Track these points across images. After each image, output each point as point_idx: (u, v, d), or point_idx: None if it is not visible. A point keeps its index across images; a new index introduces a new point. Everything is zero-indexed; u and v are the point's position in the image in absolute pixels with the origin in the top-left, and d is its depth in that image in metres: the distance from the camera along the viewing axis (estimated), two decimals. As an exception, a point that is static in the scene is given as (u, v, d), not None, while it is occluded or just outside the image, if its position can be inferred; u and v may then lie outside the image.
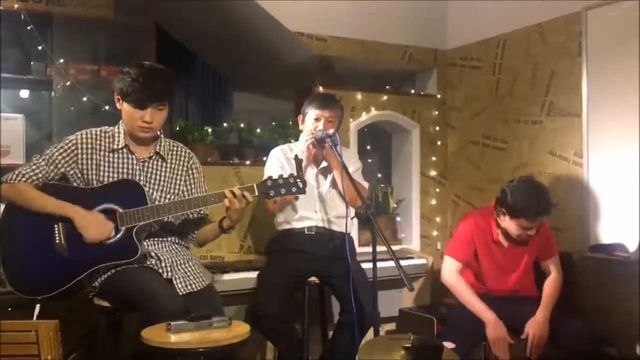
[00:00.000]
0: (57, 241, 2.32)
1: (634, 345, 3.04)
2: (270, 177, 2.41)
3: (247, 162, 3.62)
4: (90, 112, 3.27)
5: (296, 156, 2.59)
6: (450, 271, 2.99)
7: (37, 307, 2.45)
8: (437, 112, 4.24)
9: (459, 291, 2.93)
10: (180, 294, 2.38)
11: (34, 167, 2.39)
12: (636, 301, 2.98)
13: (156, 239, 2.53)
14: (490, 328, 2.79)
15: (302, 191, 2.40)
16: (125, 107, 2.43)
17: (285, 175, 2.41)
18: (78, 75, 3.31)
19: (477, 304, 2.86)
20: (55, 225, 2.33)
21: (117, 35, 3.58)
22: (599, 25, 3.26)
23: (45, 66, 3.31)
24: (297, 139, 3.21)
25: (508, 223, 2.87)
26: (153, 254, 2.46)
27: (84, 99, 3.25)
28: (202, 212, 2.61)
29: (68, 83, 3.25)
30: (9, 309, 2.60)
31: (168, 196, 2.53)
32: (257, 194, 2.38)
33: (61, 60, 3.27)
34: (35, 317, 2.46)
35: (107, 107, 3.21)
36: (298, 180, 2.39)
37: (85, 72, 3.36)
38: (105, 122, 2.57)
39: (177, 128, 3.51)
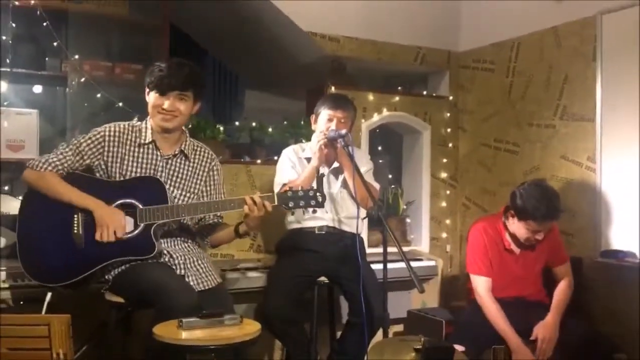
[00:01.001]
0: (75, 231, 2.34)
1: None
2: (291, 189, 2.43)
3: (258, 161, 3.62)
4: (104, 108, 3.29)
5: (318, 170, 2.59)
6: (483, 291, 2.92)
7: (49, 295, 2.48)
8: (448, 114, 4.23)
9: (490, 313, 2.86)
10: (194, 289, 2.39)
11: (60, 156, 2.41)
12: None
13: (169, 237, 2.54)
14: (516, 355, 2.75)
15: (321, 205, 2.43)
16: (150, 97, 2.47)
17: (306, 189, 2.43)
18: (92, 71, 3.33)
19: (509, 331, 2.79)
20: (75, 215, 2.36)
21: (132, 33, 3.61)
22: (614, 30, 3.24)
23: (60, 62, 3.34)
24: (308, 139, 3.21)
25: (517, 226, 2.86)
26: (165, 251, 2.47)
27: (98, 95, 3.27)
28: (219, 216, 2.62)
29: (82, 79, 3.28)
30: (21, 302, 2.62)
31: (188, 195, 2.55)
32: (276, 203, 2.40)
33: (76, 57, 3.30)
34: (45, 305, 2.49)
35: (120, 104, 3.23)
36: (318, 194, 2.42)
37: (99, 69, 3.38)
38: (119, 119, 2.59)
39: (189, 126, 3.51)
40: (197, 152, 2.63)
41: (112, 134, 2.48)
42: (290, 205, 2.40)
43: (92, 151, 2.45)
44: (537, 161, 3.68)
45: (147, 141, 2.50)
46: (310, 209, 2.96)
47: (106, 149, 2.46)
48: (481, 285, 2.94)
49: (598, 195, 3.29)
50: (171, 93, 2.43)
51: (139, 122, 2.56)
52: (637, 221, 3.09)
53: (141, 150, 2.50)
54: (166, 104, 2.43)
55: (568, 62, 3.50)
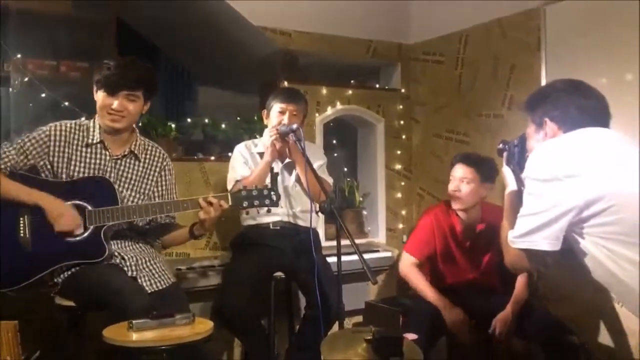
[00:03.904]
0: (22, 235, 2.28)
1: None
2: (245, 188, 2.43)
3: (212, 158, 3.59)
4: (50, 108, 3.21)
5: (272, 169, 2.60)
6: (405, 264, 3.05)
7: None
8: (401, 107, 4.28)
9: (413, 281, 2.98)
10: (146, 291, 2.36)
11: (2, 155, 2.34)
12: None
13: (121, 238, 2.50)
14: (445, 313, 2.84)
15: (275, 204, 2.43)
16: (98, 96, 2.42)
17: (259, 187, 2.42)
18: (36, 70, 3.25)
19: (430, 292, 2.91)
20: (21, 218, 2.29)
21: (77, 30, 3.52)
22: (557, 21, 3.32)
23: (1, 62, 3.23)
24: (262, 134, 3.20)
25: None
26: (116, 253, 2.43)
27: (43, 94, 3.19)
28: (171, 217, 2.59)
29: (26, 79, 3.19)
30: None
31: (138, 195, 2.51)
32: (230, 203, 2.39)
33: (18, 56, 3.20)
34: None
35: (67, 103, 3.15)
36: (272, 192, 2.42)
37: (43, 68, 3.29)
38: (65, 119, 2.53)
39: (140, 123, 3.46)
40: (149, 152, 2.59)
41: (58, 133, 2.42)
42: (244, 204, 2.40)
43: (37, 151, 2.38)
44: (488, 151, 3.73)
45: (95, 141, 2.45)
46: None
47: (52, 148, 2.40)
48: (404, 261, 3.06)
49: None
50: (120, 93, 2.38)
51: (87, 121, 2.50)
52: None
53: (89, 150, 2.45)
54: (115, 104, 2.38)
55: (514, 52, 3.58)
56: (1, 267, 2.26)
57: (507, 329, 2.82)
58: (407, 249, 3.11)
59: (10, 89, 3.23)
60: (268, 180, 2.63)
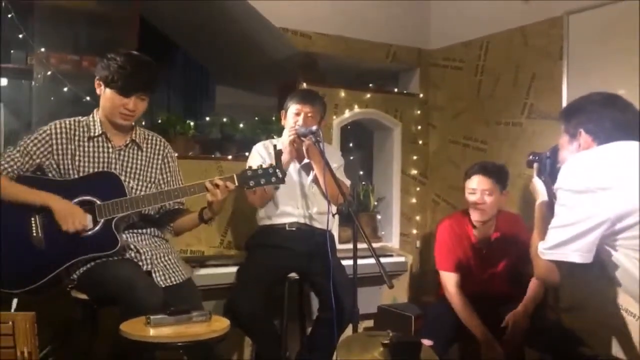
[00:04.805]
0: (34, 234, 2.29)
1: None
2: (250, 167, 2.43)
3: (229, 157, 3.60)
4: (71, 102, 3.23)
5: (275, 146, 2.59)
6: (452, 287, 2.97)
7: (15, 301, 2.41)
8: (419, 112, 4.27)
9: (458, 308, 2.92)
10: (160, 286, 2.37)
11: (8, 159, 2.35)
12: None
13: (135, 232, 2.52)
14: (483, 348, 2.80)
15: (282, 181, 2.42)
16: (107, 93, 2.42)
17: (264, 166, 2.41)
18: (59, 64, 3.27)
19: (473, 321, 2.86)
20: (32, 219, 2.30)
21: (100, 26, 3.55)
22: (580, 30, 3.30)
23: (25, 55, 3.27)
24: (279, 135, 3.21)
25: (467, 197, 2.98)
26: (132, 246, 2.44)
27: (65, 89, 3.21)
28: (180, 202, 2.60)
29: (49, 72, 3.22)
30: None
31: (145, 184, 2.52)
32: (236, 184, 2.39)
33: (42, 49, 3.23)
34: (12, 311, 2.42)
35: (88, 98, 3.17)
36: (277, 170, 2.41)
37: (66, 62, 3.31)
38: (86, 113, 2.54)
39: (159, 121, 3.48)
40: (150, 141, 2.60)
41: (59, 131, 2.44)
42: (251, 184, 2.40)
43: (40, 150, 2.39)
44: (505, 159, 3.73)
45: (96, 134, 2.46)
46: (279, 207, 2.99)
47: (54, 147, 2.41)
48: (449, 281, 2.98)
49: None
50: (135, 94, 2.40)
51: (85, 117, 2.51)
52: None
53: (91, 143, 2.46)
54: (131, 105, 2.40)
55: (535, 61, 3.56)
56: (17, 267, 2.27)
57: (519, 324, 2.79)
58: (442, 267, 3.04)
59: (33, 83, 3.26)
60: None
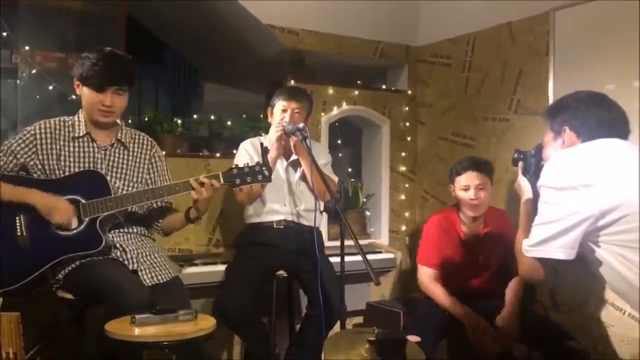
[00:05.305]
0: (19, 233, 2.28)
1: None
2: (236, 166, 2.42)
3: (217, 155, 3.59)
4: (57, 100, 3.22)
5: (261, 144, 2.59)
6: (426, 280, 3.00)
7: (-1, 300, 2.41)
8: (407, 108, 4.28)
9: (436, 297, 2.94)
10: (146, 285, 2.36)
11: None
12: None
13: (121, 231, 2.51)
14: (466, 323, 2.81)
15: (268, 179, 2.41)
16: (85, 92, 2.41)
17: (251, 164, 2.41)
18: (45, 63, 3.25)
19: (450, 302, 2.87)
20: (17, 218, 2.29)
21: (87, 24, 3.53)
22: (566, 26, 3.32)
23: (10, 53, 3.25)
24: (267, 132, 3.20)
25: (458, 194, 2.98)
26: (118, 245, 2.44)
27: (50, 87, 3.19)
28: (166, 200, 2.59)
29: (34, 71, 3.20)
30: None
31: (131, 184, 2.51)
32: (222, 182, 2.38)
33: (27, 48, 3.21)
34: (-3, 310, 2.41)
35: (73, 96, 3.14)
36: (264, 168, 2.39)
37: (52, 60, 3.30)
38: (72, 111, 2.53)
39: (146, 118, 3.47)
40: (137, 141, 2.59)
41: (43, 131, 2.42)
42: (236, 182, 2.39)
43: (25, 150, 2.38)
44: (492, 154, 3.74)
45: (81, 134, 2.45)
46: (267, 204, 2.98)
47: (39, 147, 2.40)
48: (424, 274, 3.01)
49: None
50: (109, 89, 2.38)
51: (71, 117, 2.50)
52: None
53: (76, 143, 2.45)
54: (107, 100, 2.38)
55: (522, 57, 3.57)
56: (1, 267, 2.25)
57: (509, 327, 2.79)
58: (421, 261, 3.06)
59: (18, 81, 3.24)
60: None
